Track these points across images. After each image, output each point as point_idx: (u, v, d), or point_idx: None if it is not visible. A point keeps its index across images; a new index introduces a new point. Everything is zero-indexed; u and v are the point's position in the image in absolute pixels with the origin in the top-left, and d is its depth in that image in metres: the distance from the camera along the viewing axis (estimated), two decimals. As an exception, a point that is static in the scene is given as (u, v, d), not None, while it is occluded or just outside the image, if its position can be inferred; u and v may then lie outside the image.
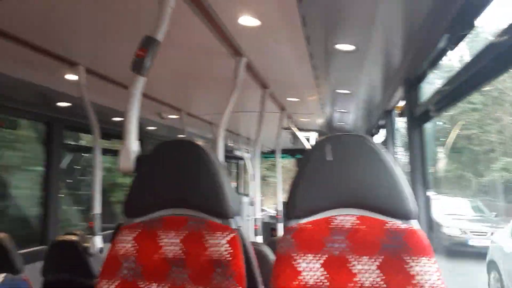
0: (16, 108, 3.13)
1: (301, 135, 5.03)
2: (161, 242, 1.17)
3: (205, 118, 4.68)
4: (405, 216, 1.10)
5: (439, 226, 6.24)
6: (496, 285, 4.70)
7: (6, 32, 1.96)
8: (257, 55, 2.37)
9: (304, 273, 1.06)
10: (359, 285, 1.03)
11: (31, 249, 3.14)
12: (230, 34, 2.02)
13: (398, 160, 3.61)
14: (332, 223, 1.11)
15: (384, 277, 1.03)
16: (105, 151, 4.77)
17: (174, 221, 1.19)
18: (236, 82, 2.32)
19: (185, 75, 2.86)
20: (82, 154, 5.24)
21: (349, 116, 4.62)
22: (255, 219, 3.44)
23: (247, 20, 1.85)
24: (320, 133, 5.54)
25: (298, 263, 1.07)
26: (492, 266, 4.87)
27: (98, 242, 2.63)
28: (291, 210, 1.15)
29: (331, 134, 1.19)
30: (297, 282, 1.05)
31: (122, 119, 1.45)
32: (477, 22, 1.47)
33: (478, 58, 1.45)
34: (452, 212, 6.89)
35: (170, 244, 1.16)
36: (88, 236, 2.68)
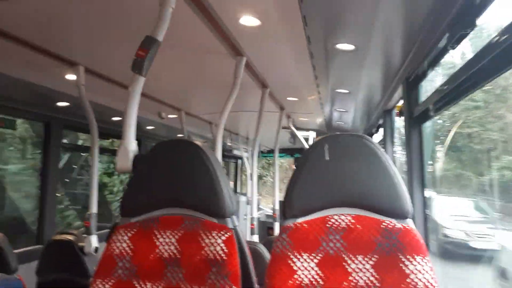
0: (15, 108, 3.12)
1: (300, 134, 5.03)
2: (157, 241, 1.16)
3: (205, 117, 4.68)
4: (400, 215, 1.10)
5: (441, 228, 6.04)
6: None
7: (5, 32, 1.95)
8: (257, 54, 2.36)
9: (299, 272, 1.06)
10: (354, 284, 1.04)
11: (26, 248, 3.13)
12: (230, 34, 2.01)
13: (397, 159, 3.61)
14: (328, 223, 1.11)
15: (378, 276, 1.03)
16: (103, 151, 4.79)
17: (170, 221, 1.18)
18: (235, 81, 2.31)
19: (184, 74, 2.86)
20: (80, 153, 5.25)
21: (348, 116, 4.61)
22: (252, 218, 3.44)
23: (248, 20, 1.84)
24: (319, 133, 5.54)
25: (294, 262, 1.07)
26: (501, 272, 4.45)
27: (93, 241, 2.62)
28: (287, 209, 1.15)
29: (329, 134, 1.19)
30: (292, 281, 1.05)
31: (120, 118, 1.45)
32: (479, 21, 1.46)
33: (478, 57, 1.45)
34: (454, 213, 6.55)
35: (166, 243, 1.16)
36: (84, 235, 2.67)
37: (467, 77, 1.58)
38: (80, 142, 5.67)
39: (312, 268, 1.06)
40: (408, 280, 1.01)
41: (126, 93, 1.43)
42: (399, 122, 3.37)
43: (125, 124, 1.41)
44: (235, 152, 7.98)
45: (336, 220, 1.11)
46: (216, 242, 1.11)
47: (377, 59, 2.40)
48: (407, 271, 1.02)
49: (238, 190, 9.78)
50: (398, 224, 1.08)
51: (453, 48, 1.67)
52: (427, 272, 1.02)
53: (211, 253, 1.10)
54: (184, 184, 1.19)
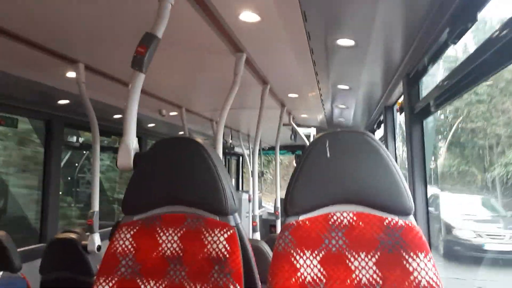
0: (16, 106, 3.13)
1: (301, 131, 5.02)
2: (159, 239, 1.16)
3: (205, 114, 4.68)
4: (402, 212, 1.10)
5: (450, 228, 5.61)
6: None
7: (5, 30, 1.95)
8: (257, 51, 2.36)
9: (302, 270, 1.06)
10: (356, 281, 1.04)
11: (30, 247, 3.15)
12: (230, 30, 2.01)
13: (398, 155, 3.61)
14: (330, 220, 1.11)
15: (381, 274, 1.03)
16: (104, 149, 4.79)
17: (172, 219, 1.18)
18: (235, 78, 2.31)
19: (185, 71, 2.85)
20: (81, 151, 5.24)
21: (349, 112, 4.60)
22: (253, 216, 3.44)
23: (247, 16, 1.83)
24: (320, 129, 5.54)
25: (296, 259, 1.07)
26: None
27: (96, 239, 2.63)
28: (289, 206, 1.15)
29: (330, 131, 1.19)
30: (295, 279, 1.05)
31: (121, 116, 1.45)
32: (480, 15, 1.45)
33: (479, 52, 1.44)
34: (463, 212, 6.05)
35: (168, 241, 1.16)
36: (87, 233, 2.68)
37: (467, 72, 1.57)
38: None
39: (315, 266, 1.06)
40: (411, 277, 1.01)
41: (127, 90, 1.43)
42: (401, 118, 3.37)
43: (125, 122, 1.41)
44: (237, 149, 7.99)
45: (338, 218, 1.11)
46: (219, 240, 1.11)
47: (378, 54, 2.40)
48: (410, 269, 1.02)
49: (240, 187, 9.79)
50: (400, 221, 1.08)
51: (454, 43, 1.67)
52: (430, 269, 1.01)
53: (214, 251, 1.10)
54: (185, 182, 1.19)
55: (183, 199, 1.20)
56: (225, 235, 1.12)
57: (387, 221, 1.08)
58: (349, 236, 1.08)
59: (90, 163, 5.01)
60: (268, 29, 1.99)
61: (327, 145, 1.15)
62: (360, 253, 1.06)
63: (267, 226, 7.58)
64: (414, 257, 1.03)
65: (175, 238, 1.16)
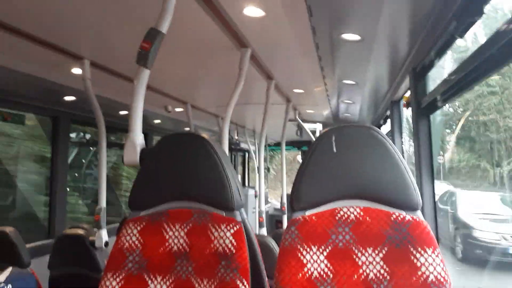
0: (22, 102, 3.15)
1: (307, 126, 5.01)
2: (166, 235, 1.17)
3: (211, 110, 4.68)
4: (409, 207, 1.09)
5: (469, 229, 4.98)
6: None
7: (11, 26, 1.96)
8: (262, 46, 2.35)
9: (308, 265, 1.06)
10: (364, 276, 1.03)
11: (38, 243, 3.18)
12: (235, 25, 2.00)
13: (406, 151, 3.59)
14: (337, 215, 1.10)
15: (388, 269, 1.03)
16: (111, 145, 4.82)
17: (179, 214, 1.19)
18: (240, 73, 2.31)
19: (190, 67, 2.85)
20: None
21: (355, 107, 4.58)
22: (260, 211, 3.44)
23: (252, 11, 1.83)
24: (326, 125, 5.52)
25: (303, 255, 1.07)
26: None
27: (103, 235, 2.65)
28: (295, 202, 1.15)
29: (336, 126, 1.18)
30: (301, 275, 1.05)
31: (127, 112, 1.45)
32: (486, 8, 1.43)
33: (486, 46, 1.43)
34: (483, 211, 5.38)
35: (175, 237, 1.16)
36: (95, 229, 2.70)
37: (475, 67, 1.56)
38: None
39: (322, 261, 1.06)
40: (419, 272, 1.00)
41: (132, 86, 1.44)
42: (408, 113, 3.34)
43: (131, 118, 1.41)
44: (242, 145, 7.99)
45: (345, 213, 1.10)
46: (225, 236, 1.12)
47: (384, 49, 2.38)
48: (418, 264, 1.01)
49: (246, 183, 9.80)
50: (407, 216, 1.07)
51: (461, 37, 1.65)
52: (438, 264, 1.00)
53: (220, 246, 1.11)
54: (191, 177, 1.20)
55: (189, 195, 1.20)
56: (232, 231, 1.12)
57: (394, 216, 1.07)
58: (356, 231, 1.08)
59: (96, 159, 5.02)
60: (273, 24, 1.98)
61: (333, 140, 1.14)
62: (367, 248, 1.06)
63: (273, 221, 7.60)
64: (422, 252, 1.02)
65: (182, 233, 1.16)
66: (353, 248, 1.06)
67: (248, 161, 9.72)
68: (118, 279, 1.14)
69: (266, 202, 7.73)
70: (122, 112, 3.86)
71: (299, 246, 1.08)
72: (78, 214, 4.86)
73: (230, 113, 2.36)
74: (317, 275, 1.05)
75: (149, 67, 1.42)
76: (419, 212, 1.10)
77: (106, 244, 2.64)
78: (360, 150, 1.12)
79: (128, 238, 1.18)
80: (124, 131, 4.60)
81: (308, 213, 1.13)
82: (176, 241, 1.16)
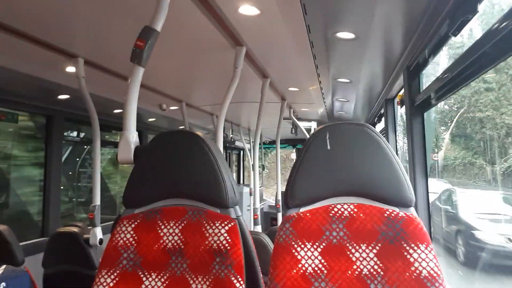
0: (16, 101, 3.13)
1: (301, 125, 5.02)
2: (161, 232, 1.17)
3: (206, 109, 4.68)
4: (403, 204, 1.10)
5: (472, 230, 4.63)
6: None
7: (4, 24, 1.94)
8: (257, 44, 2.36)
9: (303, 261, 1.06)
10: (357, 272, 1.04)
11: (32, 241, 3.17)
12: (230, 23, 2.00)
13: (400, 148, 3.61)
14: (331, 212, 1.11)
15: (382, 265, 1.04)
16: (105, 143, 4.80)
17: (173, 211, 1.19)
18: (235, 72, 2.31)
19: (185, 65, 2.85)
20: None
21: (350, 106, 4.60)
22: (255, 209, 3.45)
23: (247, 9, 1.83)
24: (321, 123, 5.53)
25: (297, 251, 1.08)
26: None
27: (98, 233, 2.65)
28: (290, 199, 1.15)
29: (330, 123, 1.19)
30: (296, 271, 1.06)
31: (122, 110, 1.45)
32: (480, 7, 1.44)
33: (479, 44, 1.44)
34: (485, 211, 4.97)
35: (170, 234, 1.16)
36: (89, 227, 2.70)
37: (468, 64, 1.57)
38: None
39: (316, 257, 1.07)
40: (412, 268, 1.01)
41: (126, 84, 1.44)
42: (402, 110, 3.36)
43: (125, 116, 1.41)
44: (237, 143, 7.99)
45: (339, 209, 1.11)
46: (220, 232, 1.12)
47: (378, 47, 2.39)
48: (411, 260, 1.02)
49: (241, 181, 9.81)
50: (401, 212, 1.08)
51: (455, 35, 1.66)
52: (431, 260, 1.02)
53: (215, 243, 1.11)
54: (185, 175, 1.20)
55: (183, 192, 1.21)
56: (226, 228, 1.12)
57: (387, 212, 1.08)
58: (350, 227, 1.09)
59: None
60: (268, 22, 1.99)
61: (327, 137, 1.15)
62: (361, 244, 1.07)
63: (268, 219, 7.61)
64: (415, 248, 1.03)
65: (176, 230, 1.16)
66: (347, 244, 1.07)
67: (243, 159, 9.72)
68: (112, 276, 1.14)
69: (261, 199, 7.75)
70: (117, 111, 3.85)
71: (293, 243, 1.08)
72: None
73: (225, 111, 2.37)
74: (311, 271, 1.05)
75: (143, 65, 1.43)
76: (412, 209, 1.11)
77: (101, 241, 2.63)
78: (354, 147, 1.13)
79: (122, 235, 1.18)
80: (118, 129, 4.59)
81: (302, 210, 1.14)
82: (170, 238, 1.16)
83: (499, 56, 1.39)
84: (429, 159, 2.31)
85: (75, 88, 2.63)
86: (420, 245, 1.03)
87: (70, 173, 4.71)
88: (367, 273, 1.04)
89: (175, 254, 1.14)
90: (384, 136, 1.15)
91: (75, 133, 4.57)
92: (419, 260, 1.02)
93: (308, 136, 1.24)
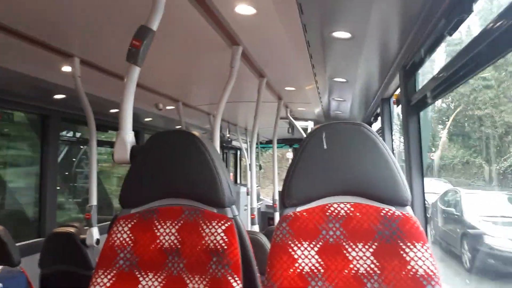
0: (12, 101, 3.12)
1: (298, 124, 5.03)
2: (157, 232, 1.17)
3: (202, 108, 4.67)
4: (399, 203, 1.11)
5: (479, 235, 4.20)
6: None
7: (0, 24, 1.93)
8: (254, 44, 2.36)
9: (299, 261, 1.07)
10: (354, 271, 1.04)
11: (28, 241, 3.16)
12: (226, 23, 2.00)
13: (396, 147, 3.62)
14: (327, 211, 1.11)
15: (378, 264, 1.04)
16: (102, 143, 4.79)
17: (170, 211, 1.19)
18: (232, 71, 2.31)
19: (181, 64, 2.85)
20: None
21: (346, 105, 4.60)
22: (252, 209, 3.46)
23: (243, 9, 1.83)
24: (318, 123, 5.54)
25: (294, 250, 1.08)
26: None
27: (95, 233, 2.64)
28: (286, 198, 1.16)
29: (326, 123, 1.19)
30: (292, 270, 1.06)
31: (118, 110, 1.45)
32: (476, 6, 1.45)
33: (474, 43, 1.44)
34: (494, 213, 4.49)
35: (166, 234, 1.16)
36: (86, 227, 2.69)
37: (463, 64, 1.58)
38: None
39: (313, 256, 1.07)
40: (408, 267, 1.02)
41: (123, 84, 1.43)
42: (399, 110, 3.36)
43: (121, 115, 1.41)
44: (234, 143, 7.98)
45: (336, 209, 1.12)
46: (216, 232, 1.12)
47: (374, 47, 2.40)
48: (408, 258, 1.03)
49: (238, 181, 9.81)
50: (397, 211, 1.09)
51: (450, 35, 1.67)
52: (427, 259, 1.02)
53: (212, 242, 1.11)
54: (182, 174, 1.20)
55: (180, 192, 1.21)
56: (223, 227, 1.13)
57: (384, 211, 1.09)
58: (346, 227, 1.09)
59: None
60: (264, 21, 1.99)
61: (323, 136, 1.15)
62: (358, 243, 1.07)
63: (265, 218, 7.62)
64: (411, 247, 1.03)
65: (173, 230, 1.16)
66: (344, 243, 1.08)
67: (240, 159, 9.72)
68: (109, 276, 1.14)
69: (258, 199, 7.75)
70: (113, 110, 3.84)
71: (290, 242, 1.09)
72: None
73: (221, 110, 2.37)
74: (308, 270, 1.06)
75: (139, 65, 1.42)
76: (408, 208, 1.11)
77: (98, 241, 2.63)
78: (350, 147, 1.14)
79: (119, 235, 1.18)
80: (115, 129, 4.58)
81: (299, 209, 1.14)
82: (167, 238, 1.16)
83: (494, 55, 1.39)
84: (426, 158, 2.32)
85: (71, 88, 2.62)
86: (416, 244, 1.04)
87: (67, 173, 4.71)
88: (364, 272, 1.04)
89: (171, 254, 1.14)
90: (380, 136, 1.15)
91: (71, 133, 4.56)
92: (415, 259, 1.02)
93: (304, 136, 1.24)
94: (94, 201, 2.74)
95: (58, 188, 3.88)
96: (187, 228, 1.15)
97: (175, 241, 1.15)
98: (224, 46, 2.27)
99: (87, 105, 2.68)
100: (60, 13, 1.88)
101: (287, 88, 3.62)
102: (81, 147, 4.94)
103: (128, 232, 1.18)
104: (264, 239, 2.08)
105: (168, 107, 4.19)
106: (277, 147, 4.45)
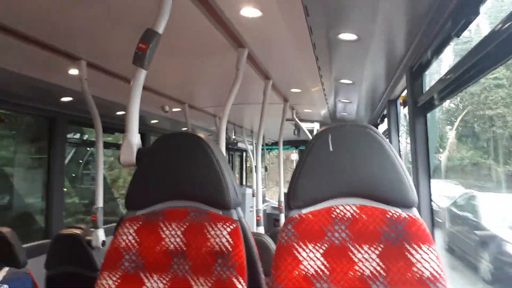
0: (19, 103, 3.14)
1: (304, 126, 5.02)
2: (163, 234, 1.17)
3: (208, 110, 4.68)
4: (405, 205, 1.10)
5: (500, 242, 3.88)
6: None
7: (7, 27, 1.95)
8: (259, 46, 2.36)
9: (304, 263, 1.06)
10: (360, 273, 1.04)
11: (35, 243, 3.17)
12: (232, 25, 2.00)
13: (402, 149, 3.60)
14: (333, 213, 1.11)
15: (384, 266, 1.03)
16: (108, 145, 4.82)
17: (175, 213, 1.19)
18: (238, 73, 2.32)
19: (187, 67, 2.86)
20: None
21: (352, 107, 4.59)
22: (257, 210, 3.45)
23: (249, 11, 1.83)
24: (324, 124, 5.52)
25: (299, 252, 1.07)
26: None
27: (100, 235, 2.65)
28: (292, 200, 1.15)
29: (332, 124, 1.19)
30: (298, 272, 1.05)
31: (124, 112, 1.46)
32: (483, 8, 1.44)
33: (482, 44, 1.43)
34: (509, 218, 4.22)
35: (172, 236, 1.16)
36: (92, 229, 2.70)
37: (471, 65, 1.57)
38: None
39: (318, 258, 1.06)
40: (414, 269, 1.01)
41: (129, 87, 1.44)
42: (405, 111, 3.34)
43: (128, 118, 1.42)
44: (240, 145, 7.98)
45: (341, 211, 1.11)
46: (222, 234, 1.12)
47: (380, 48, 2.39)
48: (413, 260, 1.02)
49: (244, 182, 9.81)
50: (403, 213, 1.08)
51: (457, 36, 1.66)
52: (433, 261, 1.01)
53: (217, 244, 1.11)
54: (188, 177, 1.20)
55: (186, 194, 1.21)
56: (228, 229, 1.12)
57: (390, 213, 1.08)
58: (352, 229, 1.08)
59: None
60: (270, 24, 1.99)
61: (329, 138, 1.15)
62: (363, 245, 1.06)
63: (271, 220, 7.61)
64: (417, 249, 1.03)
65: (178, 232, 1.16)
66: (349, 245, 1.07)
67: (246, 161, 9.72)
68: (114, 278, 1.14)
69: (264, 201, 7.75)
70: (119, 113, 3.85)
71: (295, 244, 1.08)
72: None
73: (227, 112, 2.37)
74: (313, 272, 1.05)
75: (146, 67, 1.43)
76: (415, 210, 1.10)
77: (103, 243, 2.64)
78: (356, 148, 1.13)
79: (124, 237, 1.18)
80: (121, 132, 4.60)
81: (304, 211, 1.13)
82: (172, 240, 1.16)
83: (502, 57, 1.38)
84: (433, 160, 2.30)
85: (78, 91, 2.64)
86: (422, 246, 1.03)
87: (73, 175, 4.74)
88: (369, 274, 1.03)
89: (177, 255, 1.14)
90: (387, 137, 1.14)
91: (78, 135, 4.59)
92: (422, 260, 1.01)
93: (310, 138, 1.24)
94: (100, 203, 2.75)
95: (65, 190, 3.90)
96: (192, 230, 1.15)
97: (181, 243, 1.15)
98: (230, 48, 2.28)
99: (93, 107, 2.69)
100: (67, 18, 1.89)
101: (293, 90, 3.62)
102: (88, 149, 4.97)
103: (133, 234, 1.18)
104: (269, 241, 2.07)
105: (174, 109, 4.21)
106: (283, 148, 4.44)
